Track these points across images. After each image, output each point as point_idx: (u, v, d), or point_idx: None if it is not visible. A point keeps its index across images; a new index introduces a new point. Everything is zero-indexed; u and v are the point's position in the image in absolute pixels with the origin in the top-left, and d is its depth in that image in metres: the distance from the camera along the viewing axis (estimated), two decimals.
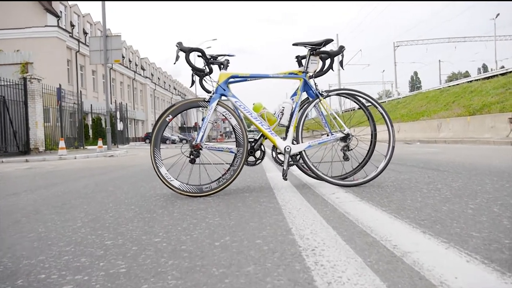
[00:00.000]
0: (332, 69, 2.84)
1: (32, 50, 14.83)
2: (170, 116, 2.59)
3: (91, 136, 26.78)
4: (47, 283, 1.12)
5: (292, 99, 2.78)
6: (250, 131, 18.16)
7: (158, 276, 1.12)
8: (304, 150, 2.68)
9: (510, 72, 19.88)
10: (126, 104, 31.32)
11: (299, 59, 2.86)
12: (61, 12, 30.70)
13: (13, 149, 12.14)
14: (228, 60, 2.70)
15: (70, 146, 16.10)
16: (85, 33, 34.61)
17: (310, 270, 1.10)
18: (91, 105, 25.96)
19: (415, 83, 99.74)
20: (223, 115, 2.65)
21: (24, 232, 1.79)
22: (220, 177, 2.57)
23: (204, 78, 2.68)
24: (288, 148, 2.65)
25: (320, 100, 2.76)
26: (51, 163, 8.87)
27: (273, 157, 2.78)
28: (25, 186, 3.81)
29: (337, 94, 2.86)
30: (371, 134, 2.91)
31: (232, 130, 2.70)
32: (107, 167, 6.30)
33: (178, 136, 28.92)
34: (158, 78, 57.41)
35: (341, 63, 2.81)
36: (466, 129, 13.86)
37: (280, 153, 2.75)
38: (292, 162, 2.75)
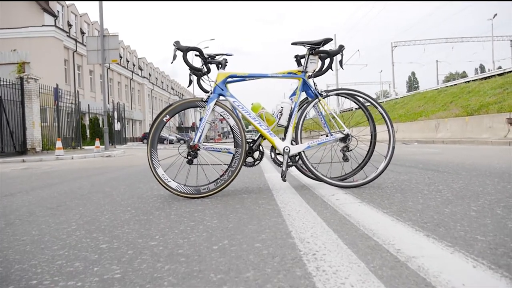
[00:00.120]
0: (332, 69, 2.81)
1: (29, 49, 14.79)
2: (168, 116, 2.55)
3: (88, 136, 26.71)
4: None
5: (291, 99, 2.74)
6: (249, 131, 18.10)
7: (154, 282, 1.08)
8: (303, 151, 2.65)
9: (508, 72, 19.93)
10: (124, 104, 31.26)
11: (298, 58, 2.82)
12: (58, 11, 30.59)
13: (10, 149, 12.06)
14: (226, 60, 2.66)
15: (67, 146, 16.03)
16: (82, 32, 34.49)
17: (311, 276, 1.06)
18: (89, 105, 25.93)
19: (412, 83, 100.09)
20: (221, 115, 2.61)
21: (17, 235, 1.74)
22: (218, 178, 2.53)
23: (202, 77, 2.64)
24: (287, 149, 2.61)
25: (319, 100, 2.73)
26: (48, 163, 8.81)
27: (271, 158, 2.74)
28: (21, 187, 3.76)
29: (337, 94, 2.82)
30: (371, 135, 2.88)
31: (230, 130, 2.66)
32: (104, 168, 6.25)
33: (176, 136, 28.86)
34: (156, 78, 57.27)
35: (340, 62, 2.77)
36: (464, 130, 13.87)
37: (279, 153, 2.71)
38: (291, 163, 2.71)
